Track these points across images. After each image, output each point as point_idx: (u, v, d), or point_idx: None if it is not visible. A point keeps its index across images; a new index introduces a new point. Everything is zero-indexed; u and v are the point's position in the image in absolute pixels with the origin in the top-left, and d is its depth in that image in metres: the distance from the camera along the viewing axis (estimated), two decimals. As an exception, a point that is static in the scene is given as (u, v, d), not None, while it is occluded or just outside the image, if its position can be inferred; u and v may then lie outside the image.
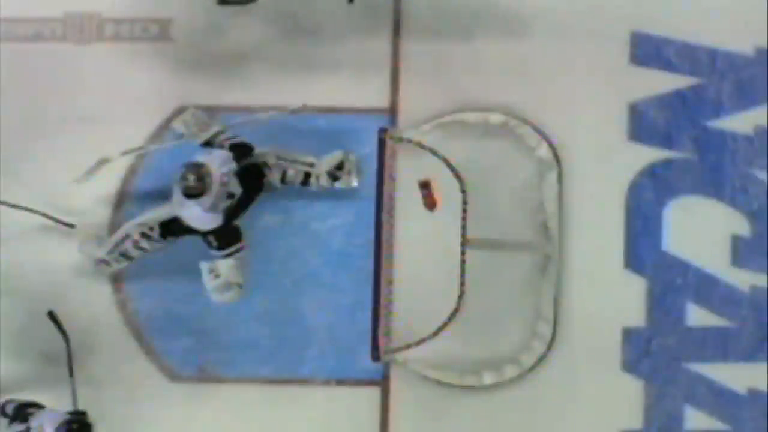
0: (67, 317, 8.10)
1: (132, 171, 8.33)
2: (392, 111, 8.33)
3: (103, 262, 8.11)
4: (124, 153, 8.01)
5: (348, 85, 8.30)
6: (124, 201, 8.32)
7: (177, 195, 7.68)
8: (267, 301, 8.25)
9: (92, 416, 7.49)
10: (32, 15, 8.41)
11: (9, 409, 7.79)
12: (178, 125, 8.23)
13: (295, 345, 8.26)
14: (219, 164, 7.63)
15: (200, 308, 8.20)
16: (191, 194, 7.57)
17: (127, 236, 7.98)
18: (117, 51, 8.41)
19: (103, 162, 7.96)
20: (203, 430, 8.23)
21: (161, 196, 8.21)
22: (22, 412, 7.65)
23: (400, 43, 8.37)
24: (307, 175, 8.04)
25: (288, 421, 8.21)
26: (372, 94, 8.33)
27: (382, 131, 7.82)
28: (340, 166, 8.05)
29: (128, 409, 8.16)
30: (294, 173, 8.01)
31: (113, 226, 8.25)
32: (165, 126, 8.33)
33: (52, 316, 8.04)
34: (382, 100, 8.33)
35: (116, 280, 8.27)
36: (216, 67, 8.35)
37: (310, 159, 8.05)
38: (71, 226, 8.22)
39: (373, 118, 8.23)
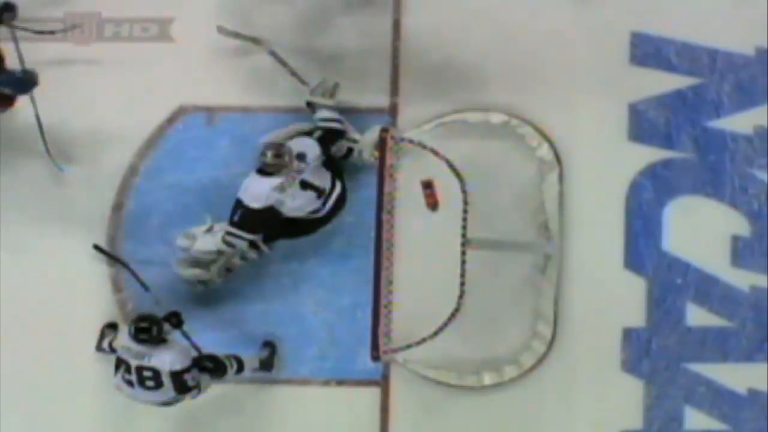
0: (67, 316, 8.12)
1: (132, 171, 8.34)
2: (392, 111, 8.33)
3: (203, 283, 8.16)
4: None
5: (348, 86, 8.30)
6: (124, 200, 8.34)
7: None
8: (267, 301, 8.25)
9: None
10: (32, 15, 8.40)
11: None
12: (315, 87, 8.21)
13: (295, 345, 8.25)
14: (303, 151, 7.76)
15: (200, 308, 8.21)
16: (266, 171, 7.67)
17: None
18: (117, 51, 8.41)
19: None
20: (203, 430, 8.22)
21: (161, 196, 8.25)
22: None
23: (400, 43, 8.37)
24: (350, 150, 8.10)
25: (288, 421, 8.20)
26: (372, 94, 8.33)
27: (383, 131, 7.82)
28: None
29: (128, 409, 8.15)
30: (337, 148, 8.07)
31: (113, 228, 8.27)
32: (165, 126, 8.36)
33: (98, 248, 8.05)
34: (382, 100, 8.34)
35: (116, 280, 8.27)
36: (216, 67, 8.35)
37: (355, 136, 8.12)
38: (60, 169, 8.20)
39: (373, 118, 8.23)
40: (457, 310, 7.61)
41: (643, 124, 8.24)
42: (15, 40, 7.81)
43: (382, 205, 7.74)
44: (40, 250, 8.26)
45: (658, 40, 8.27)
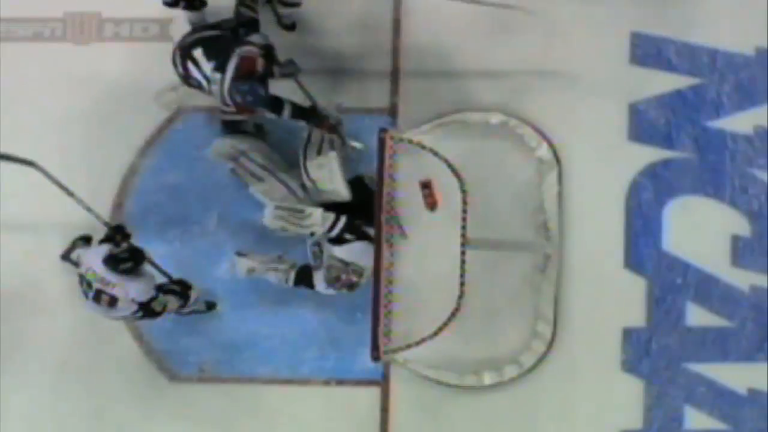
0: (67, 317, 8.12)
1: (132, 170, 8.34)
2: (392, 111, 8.33)
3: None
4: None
5: (348, 86, 8.30)
6: (124, 200, 8.35)
7: None
8: (267, 301, 8.26)
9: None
10: (32, 15, 8.42)
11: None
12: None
13: (294, 345, 8.26)
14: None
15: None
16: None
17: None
18: (117, 51, 8.41)
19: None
20: (203, 430, 8.23)
21: (161, 196, 8.26)
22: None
23: (400, 43, 8.37)
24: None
25: (288, 421, 8.21)
26: (372, 94, 8.33)
27: (382, 131, 7.82)
28: None
29: (128, 409, 8.17)
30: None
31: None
32: (165, 126, 8.37)
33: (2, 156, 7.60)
34: (382, 100, 8.34)
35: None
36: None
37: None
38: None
39: (373, 118, 8.23)
40: (457, 310, 7.60)
41: (643, 124, 8.24)
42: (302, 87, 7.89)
43: (381, 205, 7.74)
44: (40, 251, 8.26)
45: (658, 40, 8.27)
